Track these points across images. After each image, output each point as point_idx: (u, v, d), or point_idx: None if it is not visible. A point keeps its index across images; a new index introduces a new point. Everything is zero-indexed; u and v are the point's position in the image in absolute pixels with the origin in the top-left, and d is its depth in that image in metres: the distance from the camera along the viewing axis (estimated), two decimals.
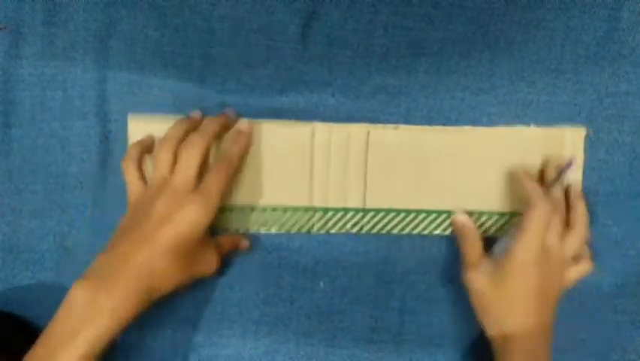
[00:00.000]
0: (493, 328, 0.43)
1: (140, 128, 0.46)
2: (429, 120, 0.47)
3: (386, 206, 0.47)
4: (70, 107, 0.46)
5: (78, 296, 0.38)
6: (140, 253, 0.39)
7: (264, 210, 0.47)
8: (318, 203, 0.47)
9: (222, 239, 0.45)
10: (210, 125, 0.43)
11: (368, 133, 0.46)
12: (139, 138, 0.45)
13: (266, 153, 0.46)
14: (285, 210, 0.47)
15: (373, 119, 0.47)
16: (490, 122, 0.47)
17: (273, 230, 0.47)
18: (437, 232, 0.48)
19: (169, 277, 0.40)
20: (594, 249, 0.47)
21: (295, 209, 0.47)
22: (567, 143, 0.47)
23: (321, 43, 0.46)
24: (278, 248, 0.48)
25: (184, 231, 0.40)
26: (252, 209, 0.47)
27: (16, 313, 0.47)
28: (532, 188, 0.43)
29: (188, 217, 0.40)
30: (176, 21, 0.46)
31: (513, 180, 0.47)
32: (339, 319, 0.48)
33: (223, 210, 0.47)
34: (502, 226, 0.48)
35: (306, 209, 0.47)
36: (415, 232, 0.48)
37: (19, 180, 0.47)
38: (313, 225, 0.47)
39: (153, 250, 0.39)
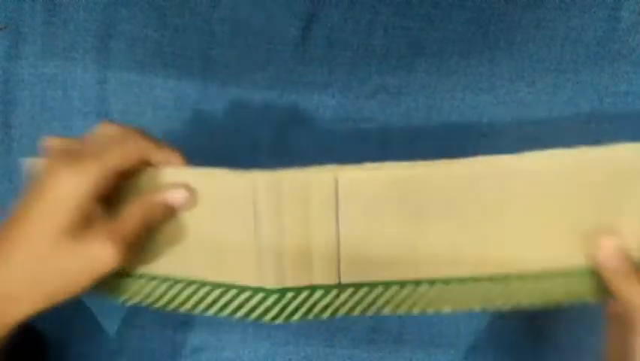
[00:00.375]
0: None
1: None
2: (429, 120, 0.47)
3: (369, 279, 0.34)
4: (71, 107, 0.46)
5: None
6: (14, 233, 0.31)
7: (194, 283, 0.35)
8: (269, 283, 0.33)
9: (123, 217, 0.32)
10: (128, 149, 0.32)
11: (335, 180, 0.32)
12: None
13: (199, 212, 0.33)
14: (228, 287, 0.34)
15: (373, 120, 0.47)
16: (491, 122, 0.47)
17: (211, 312, 0.35)
18: (444, 308, 0.34)
19: (27, 289, 0.31)
20: None
21: (241, 288, 0.34)
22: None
23: (320, 45, 0.47)
24: None
25: (47, 208, 0.30)
26: (177, 282, 0.35)
27: None
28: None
29: (59, 182, 0.30)
30: (176, 22, 0.46)
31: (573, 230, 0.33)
32: (338, 319, 0.47)
33: (133, 278, 0.35)
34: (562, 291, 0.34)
35: (255, 290, 0.34)
36: (414, 311, 0.35)
37: (19, 180, 0.47)
38: (268, 309, 0.34)
39: (8, 240, 0.31)
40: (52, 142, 0.33)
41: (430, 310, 0.34)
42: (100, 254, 0.31)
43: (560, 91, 0.47)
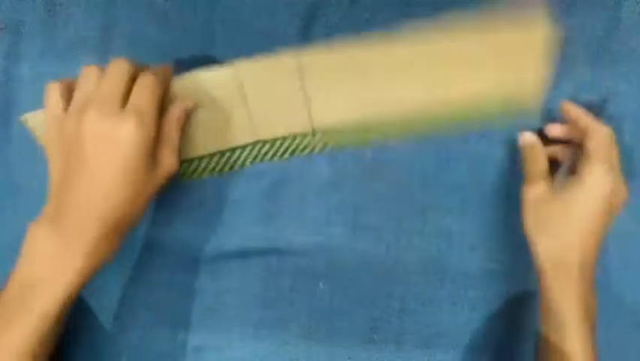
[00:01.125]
0: (545, 242, 0.42)
1: (37, 121, 0.43)
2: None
3: (336, 123, 0.46)
4: None
5: (47, 241, 0.37)
6: (89, 190, 0.36)
7: (213, 156, 0.46)
8: (264, 136, 0.46)
9: (165, 129, 0.41)
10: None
11: (298, 58, 0.44)
12: (43, 130, 0.41)
13: (200, 106, 0.44)
14: (233, 150, 0.46)
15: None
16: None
17: (227, 169, 0.47)
18: (391, 142, 0.47)
19: (130, 203, 0.37)
20: None
21: (243, 146, 0.46)
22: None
23: (320, 45, 0.47)
24: (277, 250, 0.48)
25: (126, 154, 0.36)
26: (200, 160, 0.46)
27: None
28: (588, 118, 0.43)
29: (126, 139, 0.36)
30: (176, 21, 0.46)
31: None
32: (338, 319, 0.48)
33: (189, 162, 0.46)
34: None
35: (254, 144, 0.46)
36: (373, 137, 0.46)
37: (20, 179, 0.47)
38: (266, 153, 0.47)
39: (100, 182, 0.36)
40: (62, 87, 0.39)
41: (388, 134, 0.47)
42: (169, 163, 0.40)
43: (559, 91, 0.47)
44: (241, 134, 0.46)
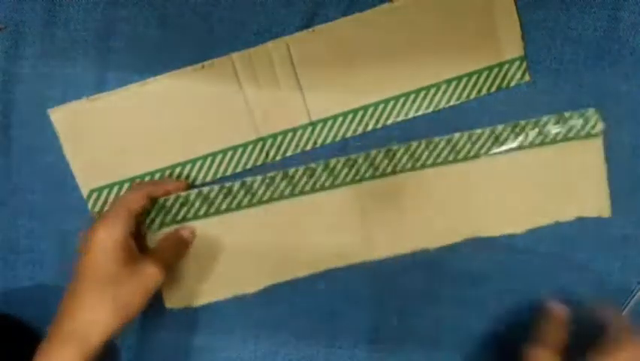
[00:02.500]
0: None
1: (63, 118, 0.46)
2: (429, 131, 0.47)
3: (332, 113, 0.47)
4: None
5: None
6: (70, 299, 0.40)
7: (215, 155, 0.47)
8: (264, 132, 0.46)
9: (160, 244, 0.45)
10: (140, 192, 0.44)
11: (287, 46, 0.46)
12: (66, 128, 0.46)
13: (197, 103, 0.46)
14: (235, 148, 0.47)
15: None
16: (492, 122, 0.47)
17: (229, 172, 0.47)
18: (390, 121, 0.47)
19: (101, 316, 0.39)
20: (594, 250, 0.48)
21: (245, 145, 0.46)
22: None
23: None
24: None
25: (100, 257, 0.40)
26: (204, 159, 0.47)
27: (15, 314, 0.47)
28: (619, 328, 0.43)
29: (96, 240, 0.40)
30: (176, 21, 0.46)
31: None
32: (339, 319, 0.48)
33: (184, 165, 0.47)
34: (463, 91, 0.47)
35: (255, 141, 0.47)
36: (369, 128, 0.47)
37: (19, 180, 0.47)
38: (267, 153, 0.47)
39: (77, 291, 0.40)
40: None
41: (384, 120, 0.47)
42: (150, 273, 0.41)
43: (559, 91, 0.47)
44: (244, 133, 0.46)
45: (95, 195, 0.46)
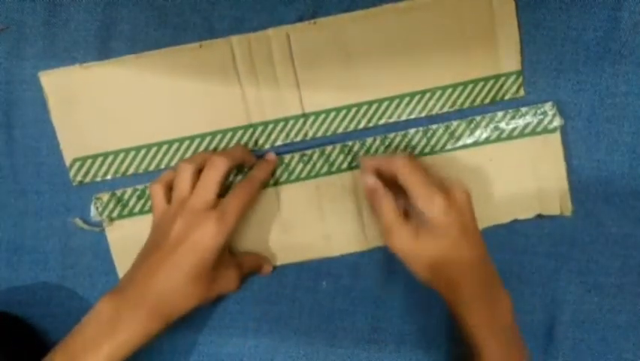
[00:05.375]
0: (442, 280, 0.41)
1: (53, 82, 0.46)
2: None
3: (325, 107, 0.47)
4: None
5: (103, 309, 0.39)
6: (160, 275, 0.40)
7: (204, 137, 0.46)
8: (256, 119, 0.46)
9: (245, 258, 0.46)
10: (235, 151, 0.44)
11: (288, 36, 0.46)
12: (56, 93, 0.45)
13: (190, 82, 0.46)
14: (224, 132, 0.46)
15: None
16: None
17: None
18: (382, 121, 0.47)
19: (188, 297, 0.40)
20: (594, 250, 0.48)
21: (235, 130, 0.46)
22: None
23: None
24: None
25: (201, 250, 0.40)
26: (192, 139, 0.46)
27: (18, 314, 0.47)
28: (382, 159, 0.43)
29: (205, 237, 0.40)
30: (176, 20, 0.46)
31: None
32: (340, 318, 0.48)
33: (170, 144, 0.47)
34: (449, 99, 0.46)
35: (246, 127, 0.46)
36: (360, 126, 0.47)
37: (24, 180, 0.47)
38: (257, 141, 0.47)
39: (172, 271, 0.40)
40: (164, 187, 0.43)
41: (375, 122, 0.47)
42: (231, 284, 0.43)
43: (559, 91, 0.47)
44: (235, 117, 0.46)
45: (77, 165, 0.46)
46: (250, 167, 0.46)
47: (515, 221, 0.47)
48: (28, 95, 0.46)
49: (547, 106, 0.46)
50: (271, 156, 0.46)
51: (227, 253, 0.44)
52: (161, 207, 0.43)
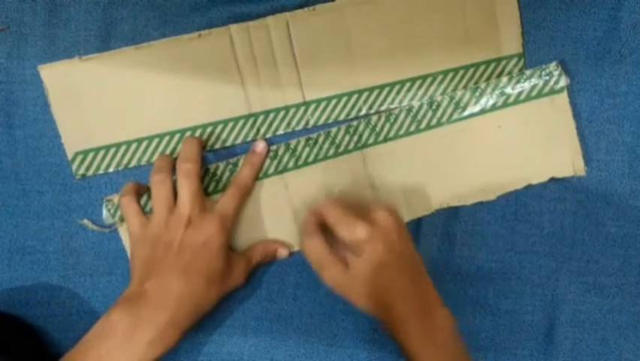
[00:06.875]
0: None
1: (53, 75, 0.45)
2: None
3: (326, 94, 0.46)
4: None
5: (119, 323, 0.39)
6: (173, 283, 0.41)
7: (205, 127, 0.46)
8: (256, 108, 0.46)
9: (253, 250, 0.46)
10: (191, 147, 0.44)
11: (287, 23, 0.45)
12: (56, 86, 0.45)
13: (190, 72, 0.46)
14: (226, 122, 0.46)
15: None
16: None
17: (218, 146, 0.47)
18: (383, 107, 0.47)
19: (205, 301, 0.42)
20: (594, 250, 0.48)
21: (236, 119, 0.46)
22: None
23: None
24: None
25: (210, 252, 0.42)
26: (194, 130, 0.46)
27: (19, 314, 0.47)
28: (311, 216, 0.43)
29: (212, 239, 0.42)
30: (176, 20, 0.46)
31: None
32: (340, 318, 0.48)
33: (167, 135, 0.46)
34: (450, 84, 0.47)
35: (247, 117, 0.46)
36: (362, 113, 0.47)
37: (26, 181, 0.47)
38: (259, 130, 0.47)
39: (187, 277, 0.41)
40: (135, 196, 0.44)
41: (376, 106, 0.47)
42: (238, 278, 0.45)
43: None
44: (236, 107, 0.46)
45: (79, 158, 0.46)
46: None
47: (529, 187, 0.47)
48: (28, 95, 0.46)
49: (552, 66, 0.46)
50: (259, 146, 0.46)
51: (230, 251, 0.45)
52: (138, 220, 0.43)
